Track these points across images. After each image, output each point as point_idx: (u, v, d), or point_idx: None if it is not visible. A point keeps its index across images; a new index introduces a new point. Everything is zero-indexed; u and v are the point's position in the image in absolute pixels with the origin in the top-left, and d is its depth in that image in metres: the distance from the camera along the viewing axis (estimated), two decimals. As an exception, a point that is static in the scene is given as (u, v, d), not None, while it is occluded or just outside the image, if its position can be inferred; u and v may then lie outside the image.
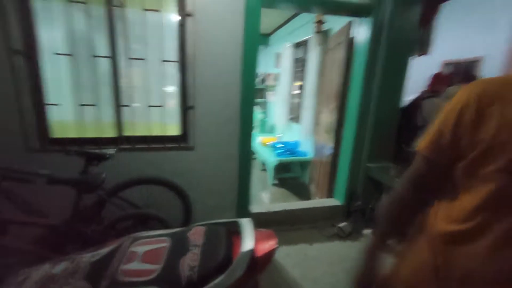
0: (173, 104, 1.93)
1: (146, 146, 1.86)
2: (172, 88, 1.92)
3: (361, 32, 2.19)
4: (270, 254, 0.77)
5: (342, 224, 2.21)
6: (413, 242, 0.66)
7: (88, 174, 1.44)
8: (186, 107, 1.90)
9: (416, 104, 2.42)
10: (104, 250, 0.80)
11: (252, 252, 0.72)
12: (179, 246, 0.79)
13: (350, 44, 2.34)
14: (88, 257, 0.77)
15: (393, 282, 0.68)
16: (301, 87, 3.92)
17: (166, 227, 1.43)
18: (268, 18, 4.04)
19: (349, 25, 2.34)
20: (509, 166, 0.47)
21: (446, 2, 2.38)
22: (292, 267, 1.78)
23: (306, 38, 3.62)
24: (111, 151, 1.57)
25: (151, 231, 0.92)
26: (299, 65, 4.09)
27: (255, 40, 1.86)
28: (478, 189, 0.51)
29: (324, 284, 1.66)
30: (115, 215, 1.47)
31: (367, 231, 2.22)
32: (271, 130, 5.20)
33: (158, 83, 1.85)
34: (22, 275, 0.72)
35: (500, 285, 0.50)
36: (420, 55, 2.50)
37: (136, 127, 1.85)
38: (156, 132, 1.89)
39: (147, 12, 1.72)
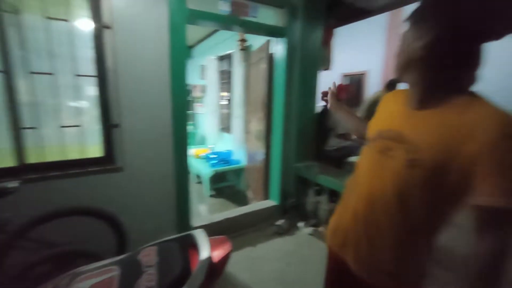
0: (92, 123, 1.73)
1: (61, 173, 1.59)
2: (90, 106, 1.72)
3: (279, 49, 2.49)
4: (226, 258, 0.82)
5: (280, 222, 2.42)
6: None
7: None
8: (109, 126, 1.73)
9: (325, 110, 2.90)
10: None
11: (209, 259, 0.75)
12: (131, 271, 0.74)
13: (270, 59, 2.62)
14: None
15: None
16: (229, 98, 4.08)
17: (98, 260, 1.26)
18: (191, 32, 4.06)
19: (267, 43, 2.63)
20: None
21: (338, 28, 2.96)
22: (240, 272, 1.84)
23: (229, 52, 3.82)
24: (12, 184, 1.29)
25: (93, 263, 0.83)
26: (225, 77, 4.26)
27: (182, 55, 1.88)
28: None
29: (271, 280, 1.78)
30: (26, 261, 1.21)
31: (301, 224, 2.49)
32: (202, 142, 5.16)
33: (72, 100, 1.63)
34: None
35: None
36: (324, 69, 3.01)
37: (47, 152, 1.57)
38: (73, 155, 1.65)
39: (54, 21, 1.51)
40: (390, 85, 3.66)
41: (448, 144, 0.57)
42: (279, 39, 2.45)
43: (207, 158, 3.81)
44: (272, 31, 2.36)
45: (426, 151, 0.59)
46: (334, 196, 2.44)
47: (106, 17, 1.61)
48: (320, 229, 2.40)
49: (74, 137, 1.65)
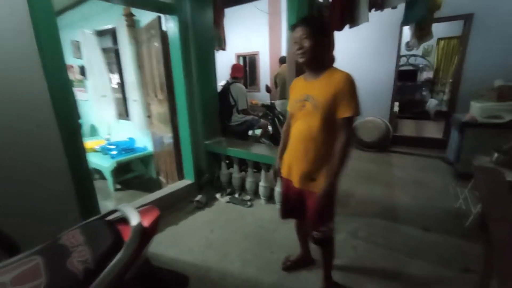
0: None
1: None
2: None
3: (171, 27, 2.43)
4: (155, 222, 0.89)
5: (198, 197, 2.54)
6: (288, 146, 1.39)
7: None
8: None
9: (226, 88, 3.11)
10: None
11: (140, 225, 0.81)
12: (56, 255, 0.71)
13: (163, 37, 2.52)
14: None
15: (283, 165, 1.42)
16: (119, 81, 3.64)
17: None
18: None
19: (158, 20, 2.50)
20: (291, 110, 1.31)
21: (229, 10, 3.13)
22: (168, 249, 1.90)
23: (111, 26, 3.34)
24: None
25: (4, 261, 0.72)
26: (110, 56, 3.73)
27: (51, 23, 1.54)
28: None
29: (199, 247, 1.93)
30: None
31: (218, 195, 2.70)
32: (92, 133, 4.44)
33: None
34: None
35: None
36: (220, 49, 3.16)
37: None
38: None
39: None
40: (282, 61, 4.23)
41: (328, 92, 1.13)
42: (169, 16, 2.38)
43: (104, 149, 3.37)
44: (161, 7, 2.27)
45: (320, 99, 1.14)
46: (243, 164, 2.76)
47: None
48: (236, 195, 2.68)
49: None
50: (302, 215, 1.40)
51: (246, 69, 6.34)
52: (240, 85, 3.12)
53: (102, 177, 3.37)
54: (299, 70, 2.02)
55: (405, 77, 6.07)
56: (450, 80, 5.62)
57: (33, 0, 1.46)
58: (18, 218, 1.51)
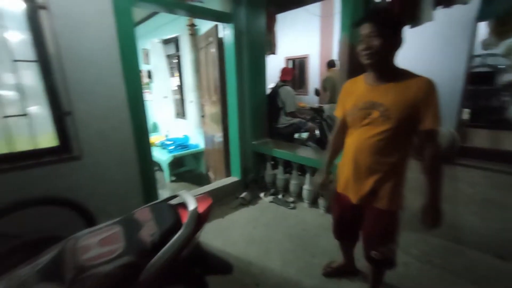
0: (41, 111, 1.63)
1: (11, 166, 1.50)
2: (35, 93, 1.61)
3: (227, 34, 2.61)
4: (209, 209, 1.00)
5: (243, 194, 2.66)
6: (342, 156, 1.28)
7: None
8: (60, 114, 1.66)
9: (275, 91, 3.18)
10: (46, 258, 0.75)
11: (196, 209, 0.92)
12: (132, 226, 0.86)
13: (220, 44, 2.72)
14: (27, 269, 0.70)
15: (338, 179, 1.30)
16: (179, 84, 4.03)
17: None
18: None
19: (215, 28, 2.72)
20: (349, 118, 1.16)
21: (280, 15, 3.21)
22: (213, 240, 2.04)
23: (175, 35, 3.74)
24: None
25: (88, 228, 0.91)
26: (173, 61, 4.17)
27: (131, 38, 1.85)
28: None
29: (242, 242, 2.03)
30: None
31: (262, 194, 2.78)
32: (154, 129, 5.00)
33: (14, 88, 1.51)
34: None
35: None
36: (270, 53, 3.25)
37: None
38: (22, 147, 1.55)
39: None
40: (330, 65, 4.14)
41: (405, 100, 0.99)
42: (226, 24, 2.57)
43: (163, 145, 3.77)
44: (218, 16, 2.46)
45: (394, 107, 1.00)
46: (288, 167, 2.78)
47: (40, -3, 1.49)
48: (280, 196, 2.72)
49: (22, 128, 1.54)
50: (357, 235, 1.31)
51: (295, 72, 6.34)
52: (289, 88, 3.16)
53: (159, 169, 3.78)
54: (352, 73, 1.96)
55: (479, 80, 5.27)
56: (542, 84, 4.68)
57: (120, 22, 1.77)
58: (98, 197, 1.82)
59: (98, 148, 1.80)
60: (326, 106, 3.53)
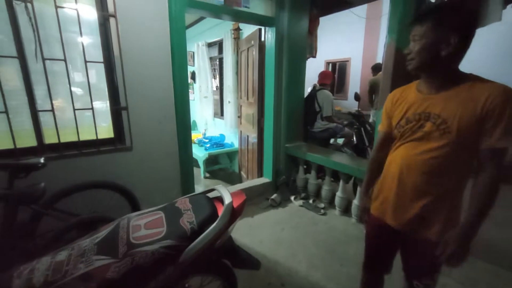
0: (103, 106, 1.87)
1: (77, 152, 1.74)
2: (99, 90, 1.85)
3: (269, 38, 2.68)
4: (242, 205, 1.06)
5: (273, 196, 2.69)
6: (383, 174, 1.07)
7: (25, 187, 1.31)
8: (118, 108, 1.88)
9: (312, 94, 3.15)
10: (103, 233, 0.88)
11: (231, 203, 0.98)
12: (173, 213, 0.96)
13: (261, 47, 2.80)
14: (87, 241, 0.84)
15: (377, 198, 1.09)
16: (220, 84, 4.23)
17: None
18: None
19: (257, 32, 2.80)
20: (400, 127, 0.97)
21: (323, 17, 3.18)
22: (242, 237, 2.11)
23: (219, 38, 3.93)
24: (41, 160, 1.44)
25: (138, 211, 1.04)
26: (214, 63, 4.38)
27: (182, 42, 2.02)
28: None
29: (269, 242, 2.06)
30: (58, 227, 1.38)
31: (292, 198, 2.78)
32: (193, 127, 5.30)
33: (84, 85, 1.75)
34: (25, 269, 0.73)
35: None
36: (311, 57, 3.23)
37: (63, 133, 1.71)
38: (86, 136, 1.79)
39: (63, 10, 1.61)
40: (376, 69, 3.98)
41: (470, 111, 0.79)
42: (268, 28, 2.63)
43: (200, 142, 3.99)
44: (262, 21, 2.54)
45: (456, 120, 0.81)
46: (321, 172, 2.74)
47: (110, 7, 1.72)
48: (310, 201, 2.70)
49: (87, 120, 1.78)
50: (391, 265, 1.14)
51: (334, 76, 6.18)
52: (327, 92, 3.11)
53: (196, 165, 4.00)
54: (397, 80, 1.87)
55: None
56: None
57: (173, 27, 1.94)
58: (144, 185, 2.01)
59: (147, 141, 2.00)
60: (372, 112, 3.38)
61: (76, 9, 1.62)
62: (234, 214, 1.00)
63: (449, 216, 0.91)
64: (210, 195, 1.14)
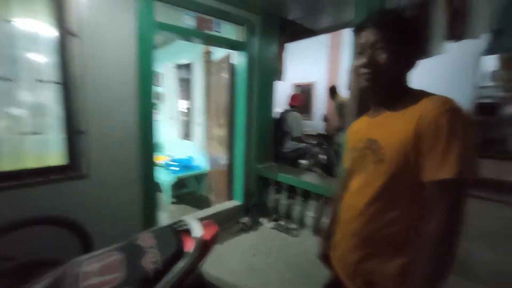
0: (54, 130, 1.68)
1: (18, 182, 1.51)
2: (52, 113, 1.67)
3: (240, 61, 2.73)
4: (215, 236, 0.98)
5: (244, 220, 2.61)
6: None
7: None
8: (73, 132, 1.70)
9: (282, 116, 3.24)
10: (44, 283, 0.73)
11: (202, 237, 0.90)
12: (134, 253, 0.84)
13: (231, 70, 2.84)
14: None
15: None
16: (188, 106, 4.14)
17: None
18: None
19: (229, 55, 2.85)
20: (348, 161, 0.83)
21: (289, 43, 3.36)
22: (212, 267, 1.96)
23: (189, 61, 3.91)
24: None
25: (90, 253, 0.89)
26: (184, 84, 4.32)
27: (149, 63, 1.95)
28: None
29: (240, 271, 1.95)
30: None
31: (263, 220, 2.72)
32: (159, 149, 5.04)
33: (33, 106, 1.57)
34: None
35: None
36: (278, 80, 3.36)
37: (1, 161, 1.48)
38: (32, 163, 1.58)
39: (12, 25, 1.45)
40: (332, 91, 4.23)
41: (403, 132, 0.64)
42: (240, 52, 2.69)
43: (166, 165, 3.78)
44: (233, 45, 2.59)
45: (390, 144, 0.66)
46: (291, 192, 2.75)
47: (72, 25, 1.60)
48: (282, 222, 2.66)
49: (33, 145, 1.58)
50: None
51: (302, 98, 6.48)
52: (296, 114, 3.22)
53: (160, 190, 3.75)
54: (362, 106, 1.97)
55: (485, 111, 5.30)
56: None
57: (141, 48, 1.88)
58: (99, 217, 1.80)
59: (106, 166, 1.82)
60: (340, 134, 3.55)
61: (30, 26, 1.48)
62: (205, 248, 0.92)
63: (402, 274, 0.67)
64: (178, 226, 1.05)
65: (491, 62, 3.45)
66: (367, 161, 0.72)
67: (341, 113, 4.15)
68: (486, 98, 5.49)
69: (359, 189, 0.74)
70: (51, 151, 1.66)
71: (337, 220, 0.85)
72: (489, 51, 2.20)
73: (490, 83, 5.40)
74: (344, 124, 4.02)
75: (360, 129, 0.82)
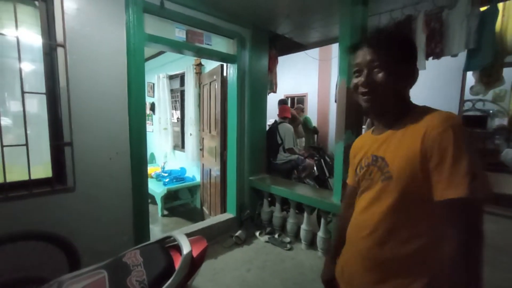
0: (40, 142, 1.63)
1: (0, 196, 1.45)
2: (37, 124, 1.63)
3: (231, 73, 2.76)
4: (203, 252, 0.95)
5: (238, 233, 2.55)
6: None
7: None
8: (60, 144, 1.65)
9: (274, 127, 3.25)
10: None
11: (190, 253, 0.87)
12: (119, 271, 0.80)
13: (223, 81, 2.86)
14: None
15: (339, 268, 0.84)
16: (180, 117, 4.13)
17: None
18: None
19: (220, 67, 2.87)
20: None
21: (281, 56, 3.43)
22: (205, 283, 1.90)
23: (181, 71, 3.93)
24: None
25: (76, 271, 0.84)
26: (175, 95, 4.32)
27: (140, 75, 1.94)
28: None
29: (234, 286, 1.88)
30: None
31: (257, 233, 2.67)
32: (151, 160, 4.97)
33: (18, 117, 1.53)
34: None
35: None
36: (271, 92, 3.40)
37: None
38: (16, 177, 1.52)
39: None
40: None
41: (409, 149, 0.63)
42: (230, 64, 2.72)
43: (158, 176, 3.71)
44: (224, 57, 2.62)
45: (396, 162, 0.65)
46: (285, 204, 2.72)
47: (59, 36, 1.59)
48: (276, 235, 2.61)
49: (17, 157, 1.52)
50: None
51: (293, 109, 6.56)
52: (288, 125, 3.24)
53: (152, 202, 3.66)
54: (350, 119, 2.00)
55: (472, 124, 5.47)
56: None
57: (131, 60, 1.87)
58: (88, 231, 1.73)
59: (94, 179, 1.77)
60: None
61: (17, 37, 1.46)
62: (194, 265, 0.88)
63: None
64: (167, 242, 1.01)
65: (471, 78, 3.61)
66: (374, 178, 0.71)
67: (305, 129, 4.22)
68: (473, 111, 5.70)
69: (367, 207, 0.72)
70: (36, 163, 1.60)
71: (343, 240, 0.82)
72: (466, 68, 2.31)
73: (476, 97, 5.62)
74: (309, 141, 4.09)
75: (365, 145, 0.80)
